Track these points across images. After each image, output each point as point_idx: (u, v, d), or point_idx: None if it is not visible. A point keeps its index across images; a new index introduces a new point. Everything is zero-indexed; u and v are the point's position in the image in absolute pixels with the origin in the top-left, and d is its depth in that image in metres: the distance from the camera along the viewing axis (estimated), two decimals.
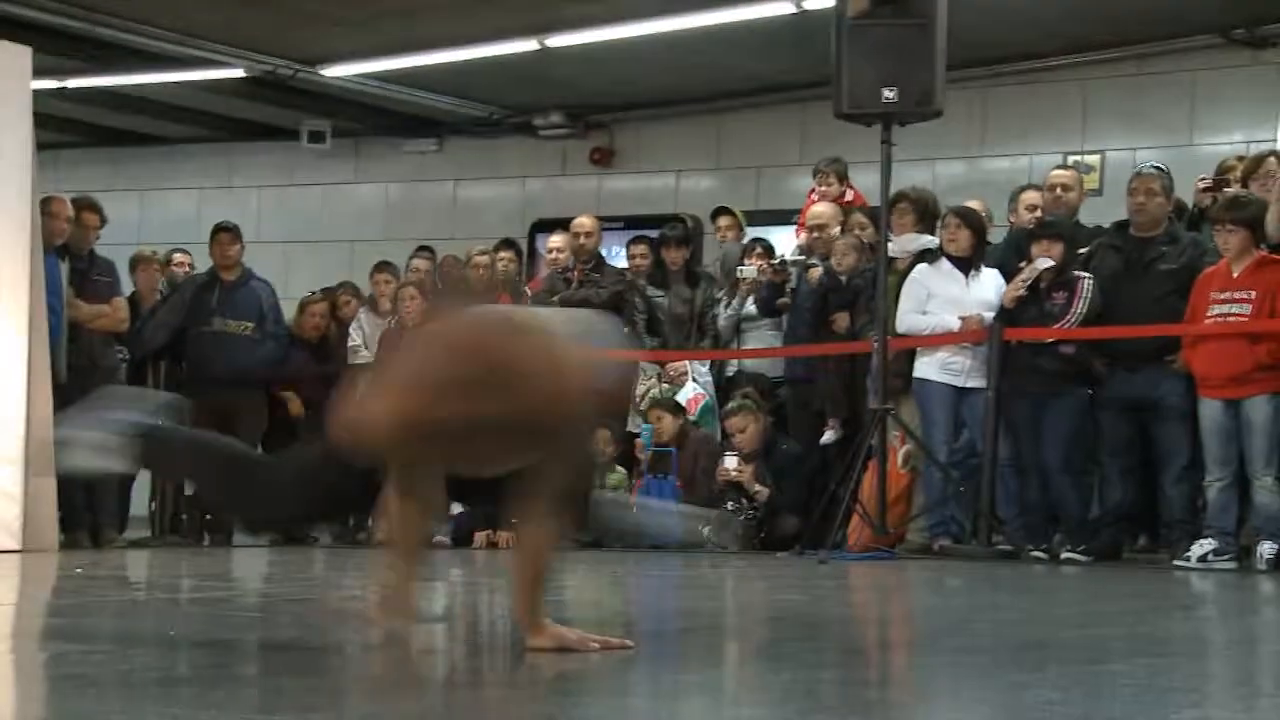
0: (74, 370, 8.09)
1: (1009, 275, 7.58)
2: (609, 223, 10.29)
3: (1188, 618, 4.86)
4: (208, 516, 8.84)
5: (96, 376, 8.32)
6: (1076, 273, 7.37)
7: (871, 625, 4.61)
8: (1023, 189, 8.32)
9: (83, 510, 8.13)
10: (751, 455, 8.15)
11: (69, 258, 8.27)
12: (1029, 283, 7.37)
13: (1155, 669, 3.22)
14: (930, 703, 2.80)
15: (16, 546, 7.42)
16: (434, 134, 12.14)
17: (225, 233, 9.13)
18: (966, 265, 7.68)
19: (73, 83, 10.67)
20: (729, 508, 8.12)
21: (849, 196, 8.79)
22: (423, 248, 10.44)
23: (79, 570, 6.26)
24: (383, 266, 9.79)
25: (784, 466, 8.19)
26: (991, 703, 2.74)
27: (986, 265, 7.75)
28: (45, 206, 8.09)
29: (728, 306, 8.75)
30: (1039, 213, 7.97)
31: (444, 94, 11.23)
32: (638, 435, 8.63)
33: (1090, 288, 7.30)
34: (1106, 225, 7.75)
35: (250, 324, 8.91)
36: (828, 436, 8.07)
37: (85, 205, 8.52)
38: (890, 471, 7.50)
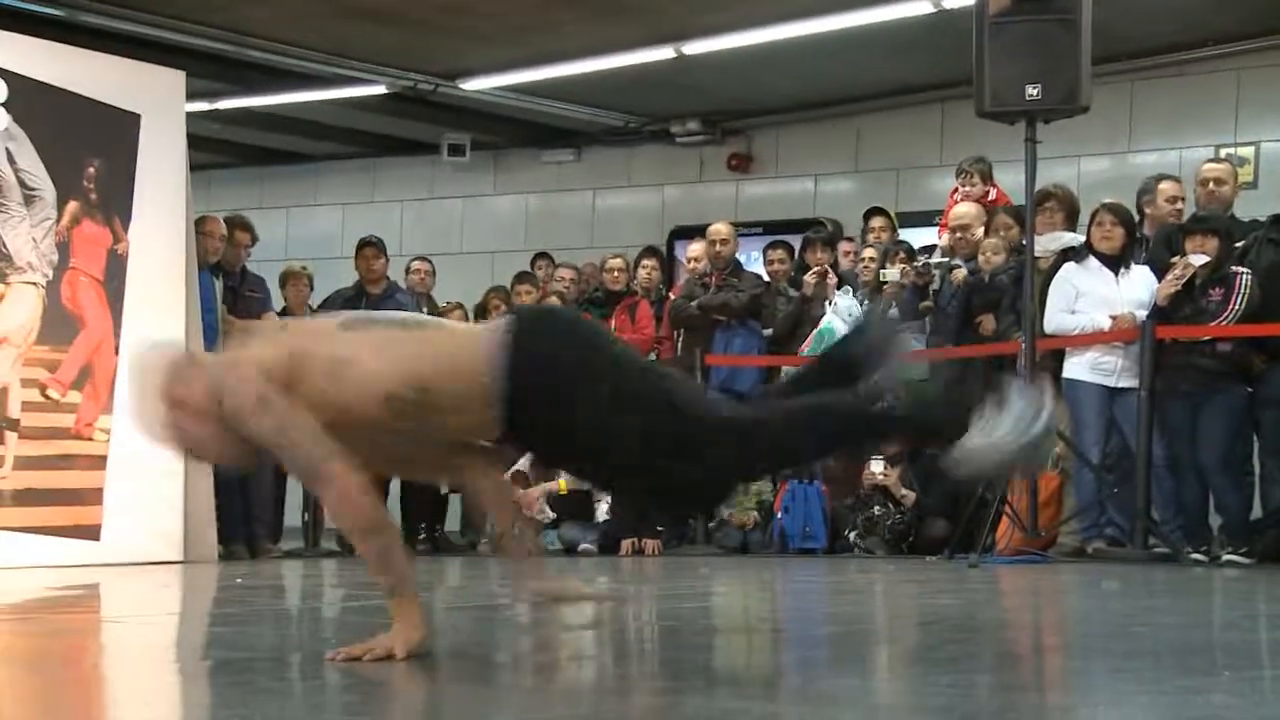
0: None
1: (1160, 272, 7.42)
2: (748, 228, 10.28)
3: None
4: None
5: None
6: (1234, 268, 7.18)
7: (1027, 629, 4.53)
8: (1159, 179, 8.08)
9: (240, 522, 8.32)
10: (897, 459, 8.08)
11: (222, 275, 8.49)
12: (1184, 280, 7.19)
13: None
14: (1094, 708, 2.75)
15: (178, 557, 7.63)
16: (572, 144, 12.23)
17: (370, 247, 9.29)
18: (1116, 263, 7.53)
19: (223, 104, 10.95)
20: (875, 512, 8.05)
21: (992, 196, 8.67)
22: (541, 255, 10.55)
23: (239, 580, 6.41)
24: (523, 277, 9.90)
25: (930, 470, 8.10)
26: (1159, 708, 2.67)
27: (1136, 262, 7.59)
28: (199, 225, 8.33)
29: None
30: (1180, 205, 7.78)
31: (581, 104, 11.31)
32: None
33: (1248, 283, 7.10)
34: (1263, 219, 7.55)
35: None
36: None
37: (237, 224, 8.74)
38: (1039, 473, 7.37)
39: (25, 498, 7.39)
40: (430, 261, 10.05)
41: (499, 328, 3.14)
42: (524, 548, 3.58)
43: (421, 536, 9.05)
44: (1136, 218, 7.93)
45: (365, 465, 3.12)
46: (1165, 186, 7.93)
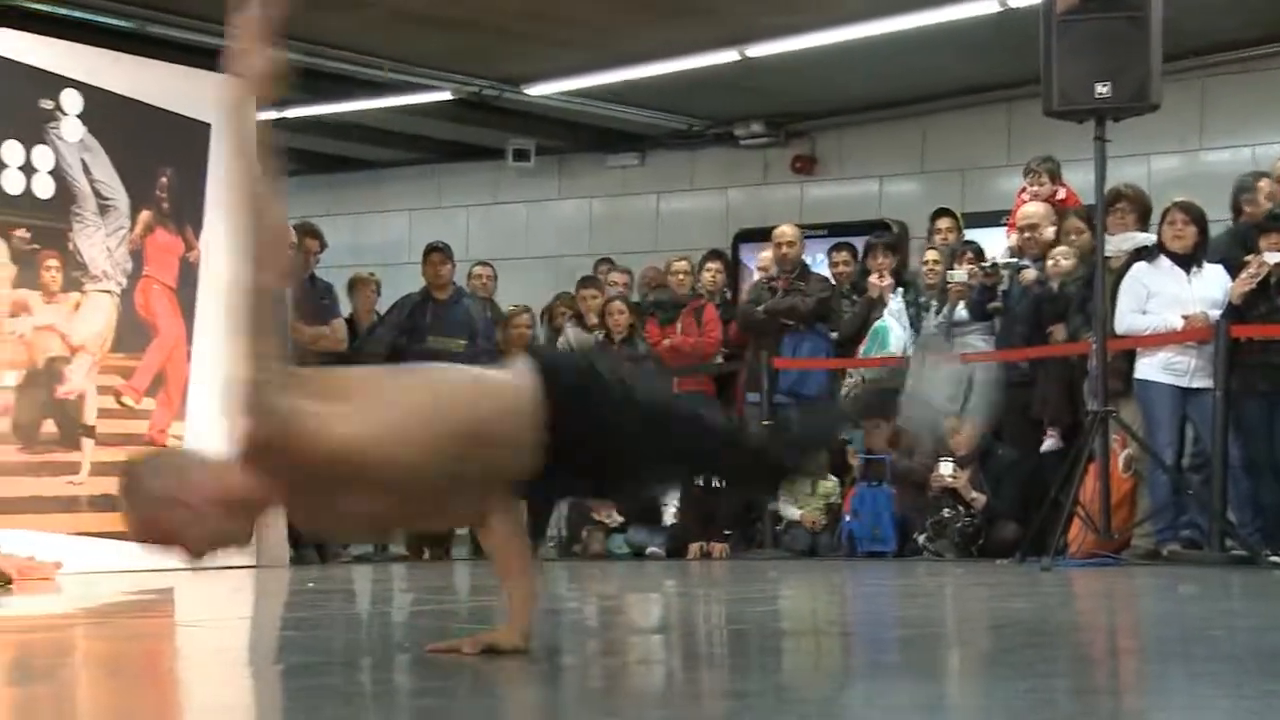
0: None
1: (1234, 270, 7.32)
2: (812, 230, 10.25)
3: None
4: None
5: None
6: None
7: (1102, 633, 4.48)
8: (1257, 177, 7.93)
9: None
10: (967, 461, 8.02)
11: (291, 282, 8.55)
12: (1259, 278, 7.09)
13: None
14: (1172, 712, 2.71)
15: (250, 562, 7.70)
16: (636, 148, 12.24)
17: (437, 252, 9.34)
18: (1187, 262, 7.44)
19: (291, 112, 11.04)
20: (945, 515, 8.00)
21: (1061, 195, 8.59)
22: (604, 260, 10.57)
23: (310, 585, 6.45)
24: (588, 281, 9.92)
25: (1000, 472, 8.04)
26: (1240, 713, 2.63)
27: (1209, 261, 7.50)
28: None
29: (937, 312, 8.63)
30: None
31: (645, 108, 11.31)
32: (849, 442, 8.55)
33: None
34: None
35: (463, 340, 9.09)
36: (1048, 444, 7.89)
37: (306, 231, 8.81)
38: (1112, 475, 7.30)
39: (102, 503, 7.47)
40: (492, 266, 10.09)
41: (525, 367, 3.24)
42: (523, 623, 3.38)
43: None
44: (1233, 215, 7.83)
45: (395, 515, 3.21)
46: (1264, 185, 7.79)
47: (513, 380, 3.20)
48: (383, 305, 9.55)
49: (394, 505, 3.10)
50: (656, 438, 3.27)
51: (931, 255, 8.86)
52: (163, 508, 3.03)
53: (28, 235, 7.44)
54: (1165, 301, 7.40)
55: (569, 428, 3.15)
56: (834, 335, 8.99)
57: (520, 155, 12.02)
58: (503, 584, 3.36)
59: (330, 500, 3.04)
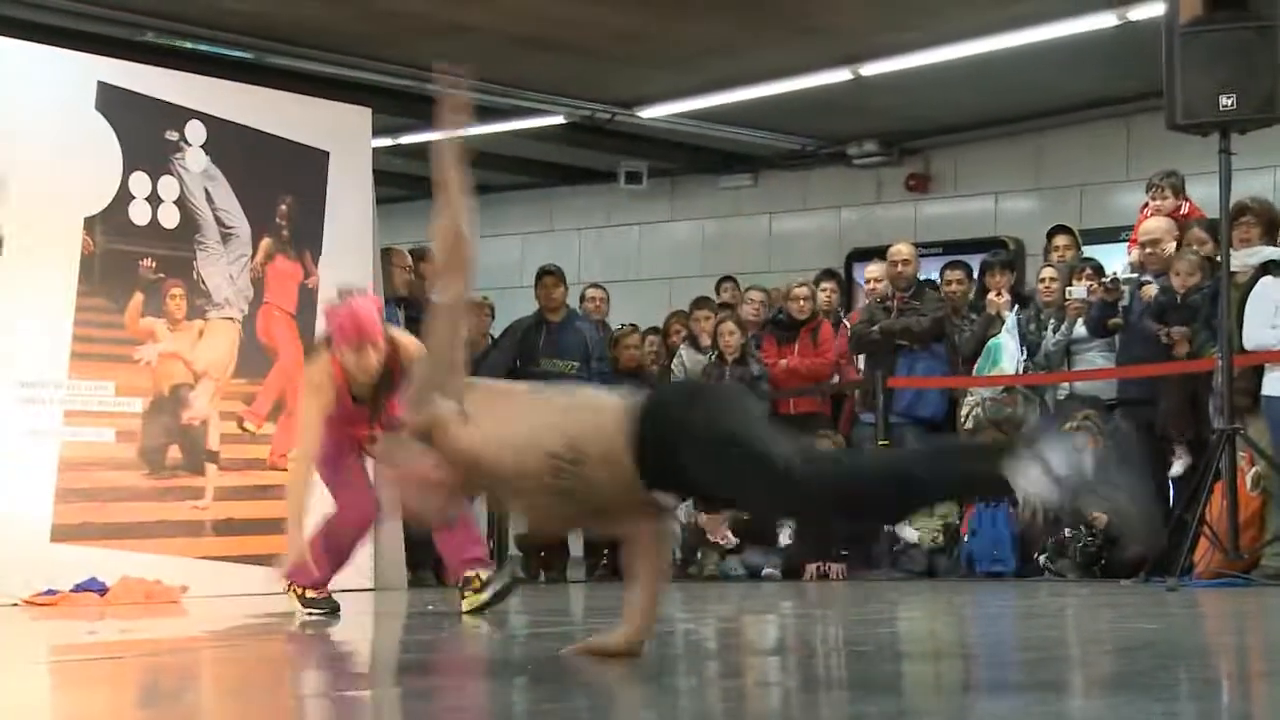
0: None
1: None
2: (927, 249, 10.16)
3: None
4: (541, 553, 9.07)
5: None
6: None
7: (1232, 654, 4.37)
8: None
9: (426, 550, 8.44)
10: None
11: (405, 306, 8.65)
12: None
13: None
14: None
15: (369, 585, 7.78)
16: (748, 169, 12.23)
17: (550, 275, 9.39)
18: None
19: (405, 139, 11.18)
20: (1066, 534, 7.86)
21: (1184, 210, 8.43)
22: (726, 279, 10.53)
23: (429, 607, 6.50)
24: (701, 302, 9.90)
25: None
26: None
27: None
28: (386, 258, 8.51)
29: (1054, 330, 8.50)
30: None
31: (758, 129, 11.30)
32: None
33: None
34: None
35: (576, 363, 9.12)
36: (1176, 469, 7.72)
37: (421, 256, 8.91)
38: (1240, 494, 7.12)
39: (224, 528, 7.62)
40: (604, 289, 10.12)
41: (632, 393, 3.55)
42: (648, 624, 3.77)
43: (604, 562, 9.08)
44: None
45: (545, 523, 3.72)
46: None
47: (612, 404, 3.46)
48: (496, 328, 9.61)
49: (541, 505, 3.50)
50: (722, 472, 3.39)
51: (1048, 273, 8.73)
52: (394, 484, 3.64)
53: (153, 264, 7.61)
54: None
55: (652, 452, 3.39)
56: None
57: (632, 178, 12.07)
58: (627, 591, 3.68)
59: (493, 494, 3.64)
